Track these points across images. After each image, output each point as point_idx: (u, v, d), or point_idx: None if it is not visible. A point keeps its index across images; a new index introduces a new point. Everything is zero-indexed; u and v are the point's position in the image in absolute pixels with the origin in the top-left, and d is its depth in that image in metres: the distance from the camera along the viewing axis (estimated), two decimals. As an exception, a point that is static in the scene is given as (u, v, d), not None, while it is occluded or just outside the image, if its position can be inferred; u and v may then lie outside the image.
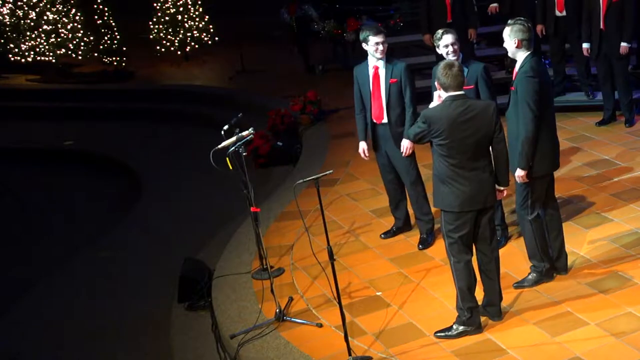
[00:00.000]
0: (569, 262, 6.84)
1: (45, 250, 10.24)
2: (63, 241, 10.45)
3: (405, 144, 7.31)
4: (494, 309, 6.22)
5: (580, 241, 7.26)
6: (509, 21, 6.38)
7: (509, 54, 6.42)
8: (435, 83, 5.96)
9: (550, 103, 6.48)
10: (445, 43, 6.91)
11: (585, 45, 9.74)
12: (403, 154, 7.36)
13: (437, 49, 7.03)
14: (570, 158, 9.14)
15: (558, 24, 10.15)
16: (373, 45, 7.23)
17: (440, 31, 6.98)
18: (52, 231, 10.89)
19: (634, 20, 9.41)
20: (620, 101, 9.84)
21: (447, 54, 6.92)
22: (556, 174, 8.72)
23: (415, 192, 7.60)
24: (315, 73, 14.81)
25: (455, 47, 6.95)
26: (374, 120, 7.48)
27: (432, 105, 6.11)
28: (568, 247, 6.90)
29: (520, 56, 6.33)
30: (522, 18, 6.40)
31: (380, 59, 7.30)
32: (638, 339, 5.79)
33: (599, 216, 7.70)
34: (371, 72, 7.38)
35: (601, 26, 9.43)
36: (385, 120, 7.41)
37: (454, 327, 6.13)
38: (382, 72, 7.34)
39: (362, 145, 7.62)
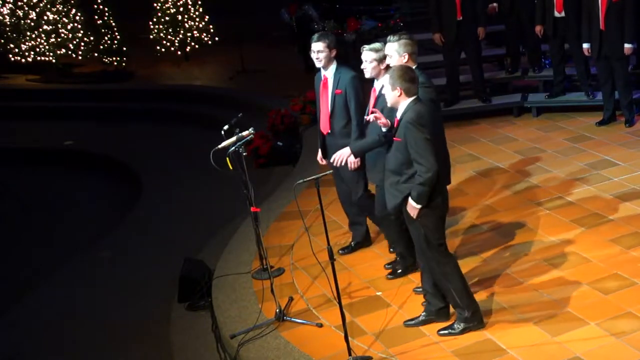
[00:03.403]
0: (570, 262, 6.84)
1: (46, 250, 10.24)
2: (63, 241, 10.44)
3: (351, 159, 6.58)
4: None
5: (580, 241, 7.26)
6: (390, 37, 6.30)
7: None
8: (396, 89, 5.72)
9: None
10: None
11: (585, 46, 9.73)
12: (349, 168, 6.82)
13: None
14: (570, 158, 9.14)
15: (557, 24, 10.14)
16: (311, 52, 7.03)
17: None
18: (52, 231, 10.88)
19: (634, 20, 9.40)
20: (620, 101, 9.84)
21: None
22: (556, 174, 8.77)
23: (363, 204, 7.29)
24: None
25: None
26: (321, 131, 7.26)
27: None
28: (568, 247, 6.89)
29: None
30: (405, 32, 6.40)
31: (323, 67, 7.05)
32: (638, 339, 5.78)
33: (598, 216, 7.69)
34: (322, 80, 7.16)
35: (601, 27, 9.42)
36: (330, 130, 7.17)
37: (456, 324, 6.12)
38: (329, 82, 7.09)
39: (320, 153, 7.41)
